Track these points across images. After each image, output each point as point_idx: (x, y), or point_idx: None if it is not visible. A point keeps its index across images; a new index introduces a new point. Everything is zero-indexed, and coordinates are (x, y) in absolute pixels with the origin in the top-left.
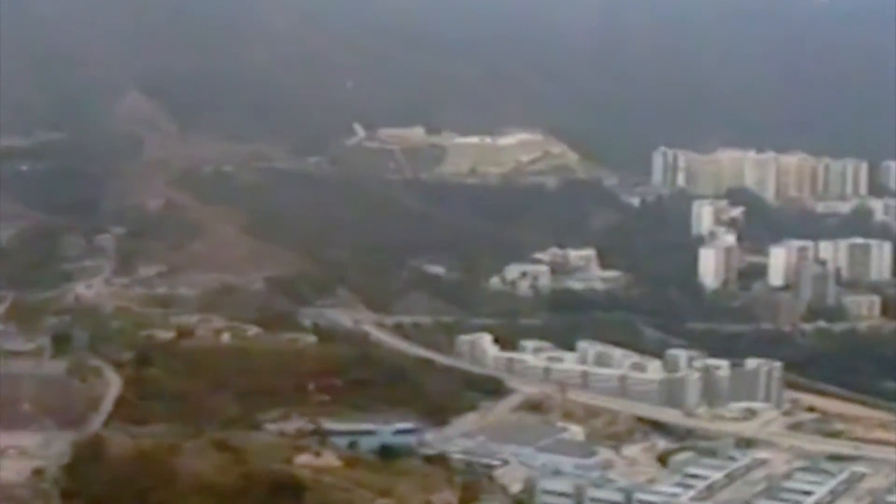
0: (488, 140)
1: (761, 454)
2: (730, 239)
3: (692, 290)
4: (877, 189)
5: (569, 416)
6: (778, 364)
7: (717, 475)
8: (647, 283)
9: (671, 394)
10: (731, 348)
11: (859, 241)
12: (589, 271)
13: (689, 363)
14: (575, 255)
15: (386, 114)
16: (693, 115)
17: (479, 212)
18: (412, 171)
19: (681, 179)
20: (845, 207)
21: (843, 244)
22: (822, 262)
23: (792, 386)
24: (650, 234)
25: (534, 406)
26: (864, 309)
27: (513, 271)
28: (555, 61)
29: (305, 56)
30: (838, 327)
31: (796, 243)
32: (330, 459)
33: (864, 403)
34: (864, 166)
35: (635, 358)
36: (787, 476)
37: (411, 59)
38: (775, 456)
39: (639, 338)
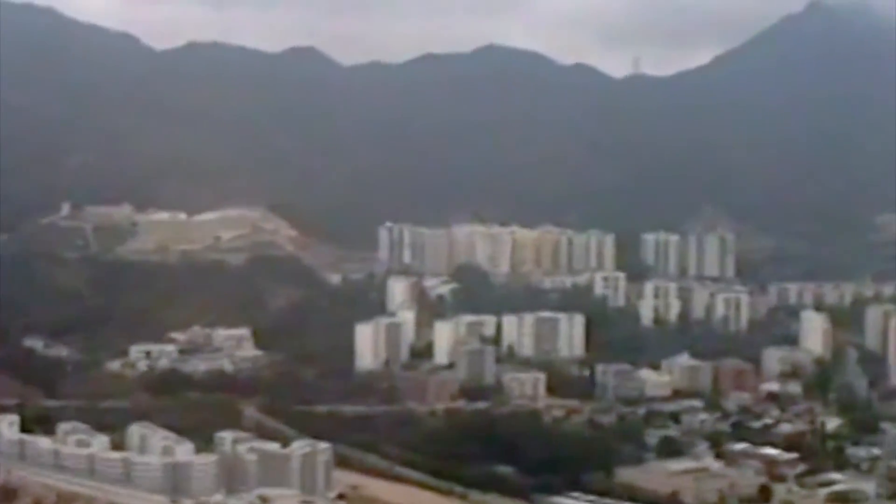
0: (182, 216)
1: None
2: (406, 316)
3: (342, 371)
4: (634, 263)
5: (38, 502)
6: (325, 446)
7: None
8: (293, 362)
9: (178, 479)
10: (340, 431)
11: (546, 314)
12: (238, 350)
13: (233, 445)
14: (225, 334)
15: (107, 190)
16: (466, 191)
17: (142, 290)
18: (98, 248)
19: (407, 255)
20: (569, 282)
21: (529, 318)
22: (486, 339)
23: (369, 470)
24: (337, 312)
25: (9, 492)
26: (528, 387)
27: (137, 351)
28: (330, 137)
29: (33, 132)
30: (472, 408)
31: (466, 318)
32: None
33: (437, 490)
34: (608, 239)
35: (170, 441)
36: None
37: (164, 134)
38: None
39: (236, 420)
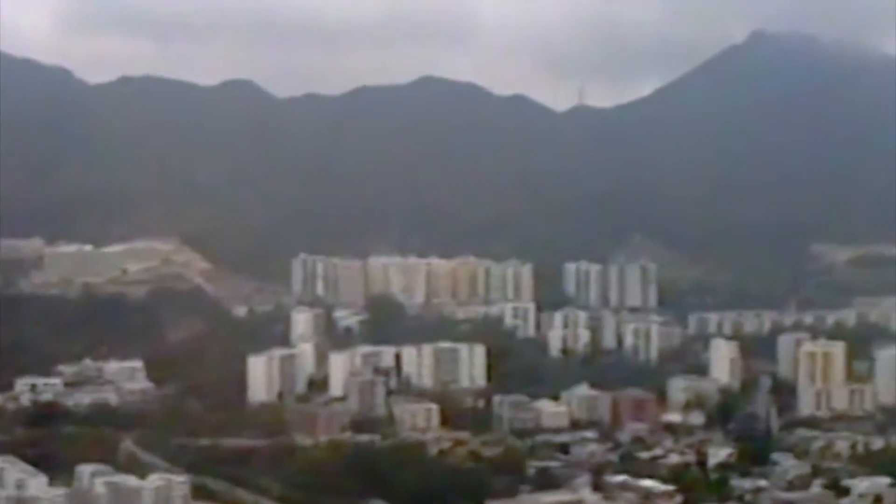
0: (88, 249)
1: None
2: (305, 348)
3: (233, 403)
4: (556, 293)
5: None
6: (181, 479)
7: None
8: (184, 395)
9: None
10: (217, 464)
11: (446, 345)
12: (129, 383)
13: (91, 478)
14: (116, 366)
15: (22, 223)
16: (392, 223)
17: (38, 323)
18: (2, 282)
19: (319, 287)
20: (481, 312)
21: (428, 349)
22: (382, 370)
23: None
24: (238, 344)
25: None
26: (420, 419)
27: (22, 385)
28: (260, 170)
29: None
30: (356, 440)
31: (362, 349)
32: None
33: None
34: (526, 270)
35: (25, 475)
36: None
37: (89, 167)
38: None
39: (111, 454)
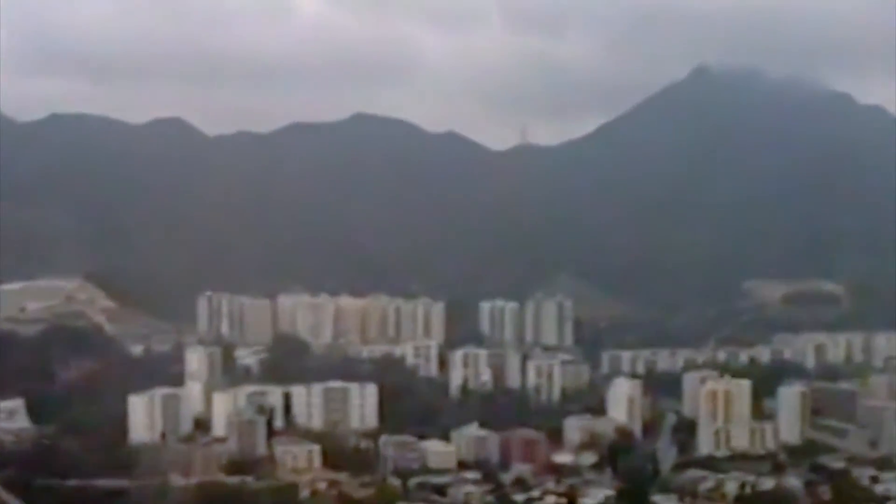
0: None
1: None
2: (192, 387)
3: (112, 443)
4: (471, 331)
5: None
6: None
7: None
8: (63, 435)
9: None
10: None
11: (336, 384)
12: (7, 423)
13: None
14: None
15: None
16: (310, 261)
17: None
18: None
19: (225, 326)
20: (383, 352)
21: (318, 388)
22: (265, 410)
23: None
24: (130, 383)
25: None
26: (302, 460)
27: None
28: (181, 208)
29: None
30: (228, 481)
31: (246, 389)
32: None
33: None
34: (436, 308)
35: None
36: None
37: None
38: None
39: None
